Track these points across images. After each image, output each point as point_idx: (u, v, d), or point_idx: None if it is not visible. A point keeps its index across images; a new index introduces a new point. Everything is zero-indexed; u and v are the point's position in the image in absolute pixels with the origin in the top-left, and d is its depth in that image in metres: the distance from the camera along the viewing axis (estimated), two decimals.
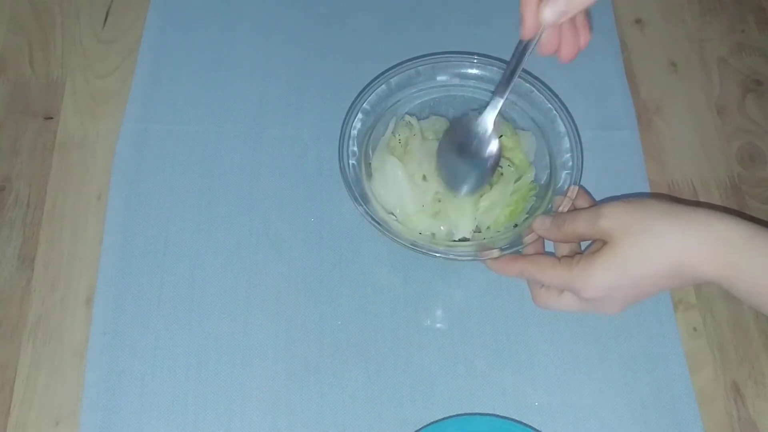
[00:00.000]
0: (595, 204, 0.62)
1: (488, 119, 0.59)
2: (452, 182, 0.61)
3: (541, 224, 0.58)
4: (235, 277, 0.63)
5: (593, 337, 0.61)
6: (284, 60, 0.74)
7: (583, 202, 0.62)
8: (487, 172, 0.60)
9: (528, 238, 0.59)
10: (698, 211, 0.52)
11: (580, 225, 0.55)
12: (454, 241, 0.61)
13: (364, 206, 0.60)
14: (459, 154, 0.60)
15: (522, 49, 0.54)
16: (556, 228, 0.57)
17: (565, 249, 0.59)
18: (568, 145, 0.64)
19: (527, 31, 0.52)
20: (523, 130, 0.66)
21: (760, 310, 0.53)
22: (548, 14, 0.50)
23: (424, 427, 0.56)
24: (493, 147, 0.59)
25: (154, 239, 0.64)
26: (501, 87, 0.57)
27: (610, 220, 0.53)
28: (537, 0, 0.50)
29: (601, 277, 0.53)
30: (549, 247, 0.62)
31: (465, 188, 0.61)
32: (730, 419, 0.58)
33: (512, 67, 0.56)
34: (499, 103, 0.58)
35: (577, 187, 0.61)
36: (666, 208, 0.53)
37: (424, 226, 0.62)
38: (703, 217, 0.52)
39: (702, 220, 0.52)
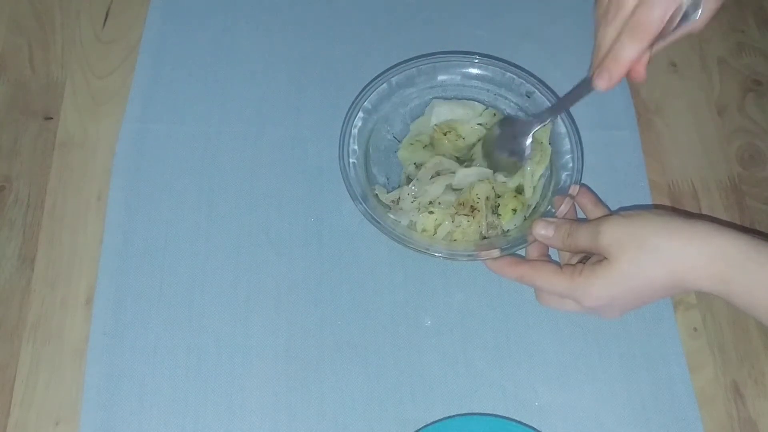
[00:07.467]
0: (599, 201, 0.63)
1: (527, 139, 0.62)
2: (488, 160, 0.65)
3: (544, 231, 0.58)
4: (235, 277, 0.63)
5: (593, 337, 0.61)
6: (284, 60, 0.74)
7: (586, 201, 0.63)
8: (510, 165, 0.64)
9: (530, 238, 0.59)
10: (698, 225, 0.52)
11: (581, 241, 0.56)
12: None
13: (365, 205, 0.60)
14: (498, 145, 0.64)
15: (586, 88, 0.58)
16: (559, 241, 0.58)
17: (569, 254, 0.60)
18: (568, 146, 0.64)
19: (606, 85, 0.56)
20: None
21: (759, 321, 0.53)
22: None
23: (424, 427, 0.56)
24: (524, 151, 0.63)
25: (154, 239, 0.64)
26: (548, 113, 0.62)
27: (610, 237, 0.54)
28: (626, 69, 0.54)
29: (603, 290, 0.54)
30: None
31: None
32: (730, 419, 0.58)
33: (568, 103, 0.61)
34: (538, 127, 0.62)
35: (578, 186, 0.61)
36: (665, 222, 0.53)
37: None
38: (702, 231, 0.52)
39: (701, 235, 0.52)
